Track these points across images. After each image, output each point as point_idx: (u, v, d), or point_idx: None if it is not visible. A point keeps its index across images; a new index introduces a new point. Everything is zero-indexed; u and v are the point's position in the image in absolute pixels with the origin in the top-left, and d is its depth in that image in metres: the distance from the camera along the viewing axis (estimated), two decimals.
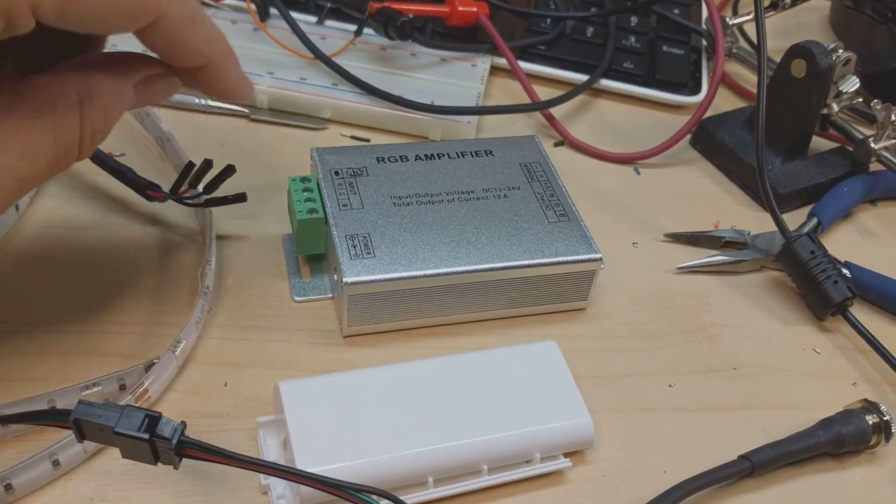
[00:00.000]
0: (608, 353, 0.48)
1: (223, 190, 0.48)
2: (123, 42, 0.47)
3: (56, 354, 0.42)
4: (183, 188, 0.47)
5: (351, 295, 0.44)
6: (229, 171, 0.47)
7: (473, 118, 0.59)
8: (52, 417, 0.34)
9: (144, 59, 0.38)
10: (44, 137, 0.33)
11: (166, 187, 0.48)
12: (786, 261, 0.52)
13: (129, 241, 0.49)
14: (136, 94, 0.37)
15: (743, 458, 0.42)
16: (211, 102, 0.58)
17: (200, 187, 0.48)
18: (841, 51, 0.58)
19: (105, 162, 0.48)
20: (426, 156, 0.51)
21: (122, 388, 0.41)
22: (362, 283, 0.43)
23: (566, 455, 0.41)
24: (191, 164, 0.47)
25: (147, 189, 0.48)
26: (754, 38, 0.72)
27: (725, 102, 0.69)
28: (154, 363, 0.41)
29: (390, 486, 0.36)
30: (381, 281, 0.44)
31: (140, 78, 0.37)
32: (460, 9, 0.64)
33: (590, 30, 0.70)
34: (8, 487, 0.36)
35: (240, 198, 0.48)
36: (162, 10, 0.34)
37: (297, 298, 0.47)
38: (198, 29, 0.37)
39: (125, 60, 0.37)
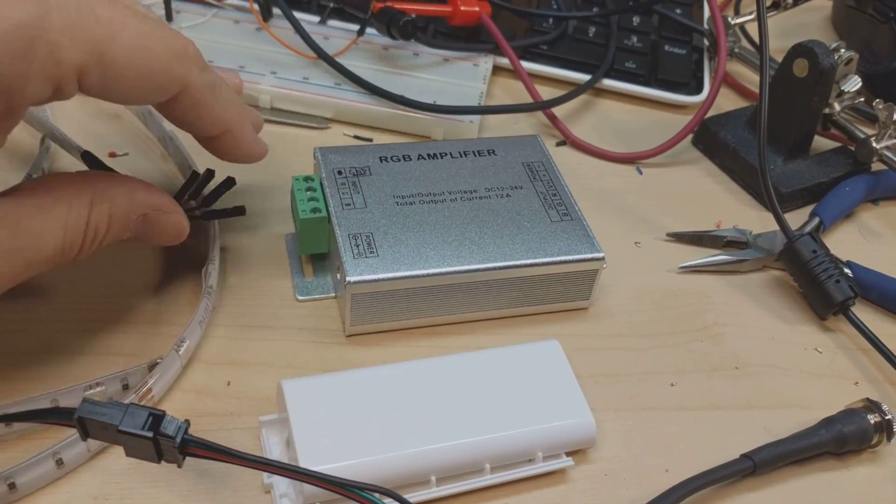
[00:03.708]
0: (610, 352, 0.48)
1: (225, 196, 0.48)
2: None
3: (59, 353, 0.42)
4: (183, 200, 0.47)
5: (354, 294, 0.44)
6: (229, 183, 0.47)
7: (476, 118, 0.59)
8: (56, 416, 0.34)
9: (162, 192, 0.41)
10: (55, 227, 0.36)
11: (169, 187, 0.48)
12: (788, 260, 0.52)
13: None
14: (141, 221, 0.40)
15: (745, 456, 0.42)
16: None
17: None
18: (843, 50, 0.58)
19: None
20: (429, 155, 0.51)
21: (126, 387, 0.41)
22: (365, 282, 0.43)
23: (568, 454, 0.42)
24: (195, 175, 0.47)
25: None
26: (756, 38, 0.73)
27: (727, 102, 0.69)
28: (157, 363, 0.41)
29: (393, 484, 0.36)
30: (384, 280, 0.44)
31: (150, 207, 0.40)
32: (462, 8, 0.64)
33: (592, 29, 0.70)
34: (12, 486, 0.36)
35: (238, 211, 0.48)
36: (188, 82, 0.38)
37: (300, 298, 0.47)
38: (218, 97, 0.40)
39: (143, 187, 0.41)
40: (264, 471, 0.37)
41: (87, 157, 0.48)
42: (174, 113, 0.40)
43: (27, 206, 0.35)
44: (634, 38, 0.70)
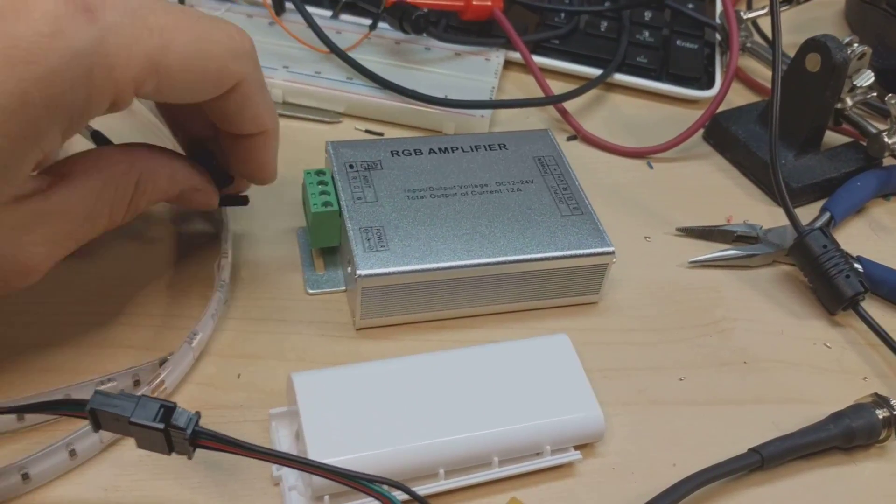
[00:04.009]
0: (619, 346, 0.48)
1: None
2: None
3: (72, 346, 0.43)
4: None
5: (364, 287, 0.44)
6: (242, 201, 0.48)
7: (487, 112, 0.60)
8: (68, 407, 0.35)
9: (199, 171, 0.44)
10: (103, 209, 0.38)
11: None
12: (798, 255, 0.52)
13: (146, 234, 0.49)
14: (177, 195, 0.43)
15: (753, 451, 0.42)
16: None
17: None
18: (856, 45, 0.58)
19: None
20: (440, 149, 0.51)
21: (137, 384, 0.41)
22: (376, 275, 0.44)
23: (577, 447, 0.42)
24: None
25: None
26: (768, 33, 0.72)
27: (738, 97, 0.69)
28: (167, 358, 0.41)
29: (401, 477, 0.36)
30: (394, 274, 0.44)
31: (188, 186, 0.43)
32: (475, 3, 0.64)
33: (603, 24, 0.70)
34: (25, 476, 0.36)
35: (242, 200, 0.48)
36: (242, 78, 0.39)
37: (310, 291, 0.48)
38: (265, 97, 0.41)
39: (183, 167, 0.43)
40: (274, 463, 0.38)
41: (96, 136, 0.48)
42: (222, 105, 0.40)
43: (79, 192, 0.37)
44: (646, 33, 0.70)
